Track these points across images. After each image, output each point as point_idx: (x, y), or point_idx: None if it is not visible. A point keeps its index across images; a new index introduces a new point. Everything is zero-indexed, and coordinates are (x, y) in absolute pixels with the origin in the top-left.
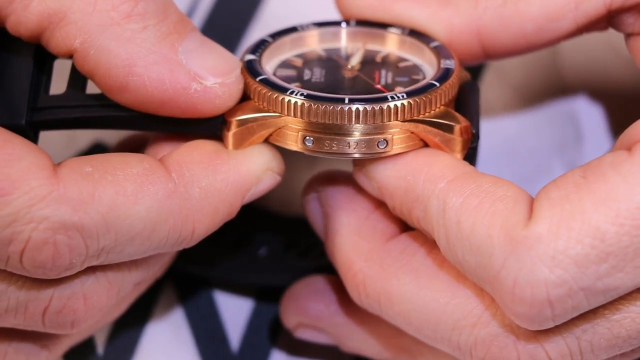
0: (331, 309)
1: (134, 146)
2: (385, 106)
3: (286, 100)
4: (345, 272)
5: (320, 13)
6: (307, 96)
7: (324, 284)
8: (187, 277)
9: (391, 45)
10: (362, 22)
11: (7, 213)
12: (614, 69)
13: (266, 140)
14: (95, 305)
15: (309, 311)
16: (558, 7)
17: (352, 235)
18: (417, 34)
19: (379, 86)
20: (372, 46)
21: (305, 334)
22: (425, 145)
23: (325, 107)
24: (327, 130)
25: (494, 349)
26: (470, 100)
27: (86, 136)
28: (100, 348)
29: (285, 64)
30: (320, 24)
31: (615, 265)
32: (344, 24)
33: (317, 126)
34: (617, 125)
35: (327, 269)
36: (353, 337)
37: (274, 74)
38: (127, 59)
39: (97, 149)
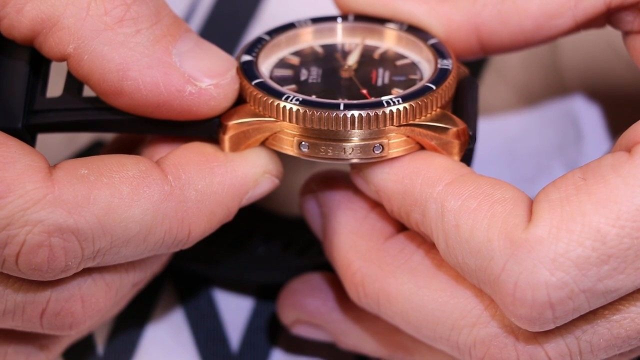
0: (328, 305)
1: (130, 145)
2: (380, 112)
3: (281, 105)
4: (344, 272)
5: (320, 12)
6: (303, 102)
7: (321, 281)
8: (186, 275)
9: (389, 41)
10: (360, 18)
11: (2, 216)
12: (613, 70)
13: (263, 144)
14: (93, 307)
15: (306, 308)
16: (557, 5)
17: (350, 234)
18: (415, 30)
19: (364, 91)
20: (370, 42)
21: (302, 331)
22: (422, 147)
23: (321, 113)
24: (323, 136)
25: (493, 349)
26: (469, 98)
27: (86, 134)
28: (100, 348)
29: (282, 63)
30: (318, 20)
31: (616, 267)
32: (341, 20)
33: (313, 132)
34: (617, 125)
35: (325, 267)
36: (350, 334)
37: (271, 74)
38: (121, 63)
39: (98, 147)
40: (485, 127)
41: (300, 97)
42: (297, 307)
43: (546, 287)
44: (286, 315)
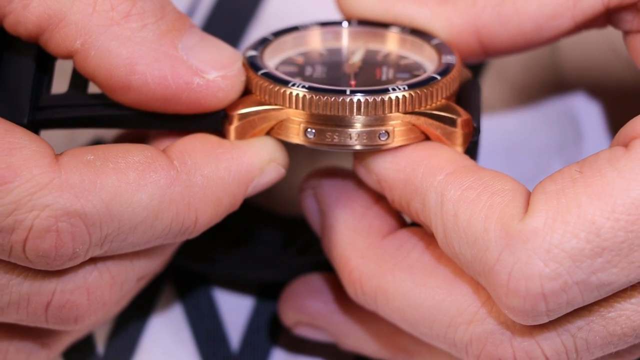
0: (329, 307)
1: (133, 141)
2: (386, 97)
3: (288, 92)
4: (342, 269)
5: (321, 13)
6: (309, 88)
7: (322, 283)
8: (186, 274)
9: (392, 44)
10: (364, 22)
11: (8, 201)
12: (613, 69)
13: (268, 134)
14: (98, 300)
15: (307, 310)
16: (556, 6)
17: (349, 232)
18: (418, 33)
19: (352, 82)
20: (374, 45)
21: (304, 332)
22: (427, 138)
23: (327, 98)
24: (329, 122)
25: (489, 346)
26: (472, 96)
27: (86, 134)
28: (100, 347)
29: (286, 62)
30: (322, 24)
31: (610, 260)
32: (345, 24)
33: (319, 118)
34: (617, 124)
35: (325, 265)
36: (351, 336)
37: (277, 70)
38: (128, 57)
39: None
40: (485, 127)
41: (307, 83)
42: (298, 309)
43: (540, 278)
44: (287, 317)
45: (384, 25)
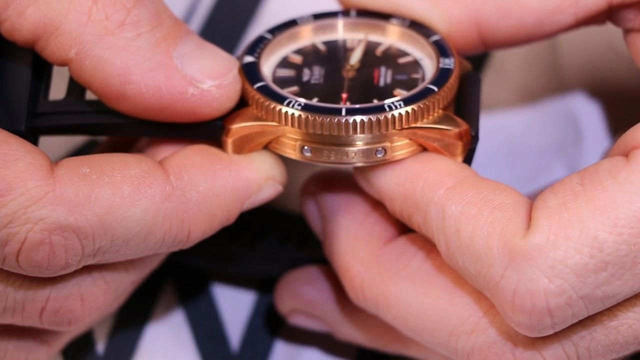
0: (324, 296)
1: (126, 141)
2: (382, 116)
3: (283, 111)
4: (343, 275)
5: (321, 11)
6: (304, 107)
7: (318, 273)
8: (186, 274)
9: (391, 37)
10: (362, 13)
11: (3, 214)
12: (613, 69)
13: (266, 147)
14: (92, 305)
15: (302, 297)
16: (559, 1)
17: (349, 238)
18: (417, 26)
19: (343, 96)
20: (372, 37)
21: (299, 320)
22: (425, 149)
23: (322, 119)
24: (325, 141)
25: (491, 356)
26: (471, 96)
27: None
28: (100, 348)
29: (284, 63)
30: (320, 16)
31: (614, 274)
32: (343, 15)
33: (315, 137)
34: (617, 125)
35: (324, 260)
36: (346, 325)
37: (273, 75)
38: (123, 67)
39: (96, 144)
40: (486, 127)
41: (302, 101)
42: (293, 296)
43: (545, 294)
44: (283, 305)
45: (383, 16)
